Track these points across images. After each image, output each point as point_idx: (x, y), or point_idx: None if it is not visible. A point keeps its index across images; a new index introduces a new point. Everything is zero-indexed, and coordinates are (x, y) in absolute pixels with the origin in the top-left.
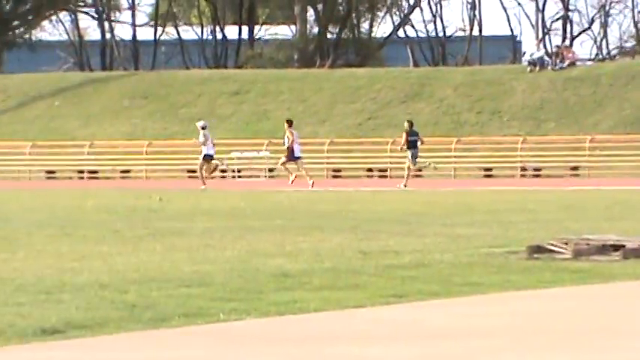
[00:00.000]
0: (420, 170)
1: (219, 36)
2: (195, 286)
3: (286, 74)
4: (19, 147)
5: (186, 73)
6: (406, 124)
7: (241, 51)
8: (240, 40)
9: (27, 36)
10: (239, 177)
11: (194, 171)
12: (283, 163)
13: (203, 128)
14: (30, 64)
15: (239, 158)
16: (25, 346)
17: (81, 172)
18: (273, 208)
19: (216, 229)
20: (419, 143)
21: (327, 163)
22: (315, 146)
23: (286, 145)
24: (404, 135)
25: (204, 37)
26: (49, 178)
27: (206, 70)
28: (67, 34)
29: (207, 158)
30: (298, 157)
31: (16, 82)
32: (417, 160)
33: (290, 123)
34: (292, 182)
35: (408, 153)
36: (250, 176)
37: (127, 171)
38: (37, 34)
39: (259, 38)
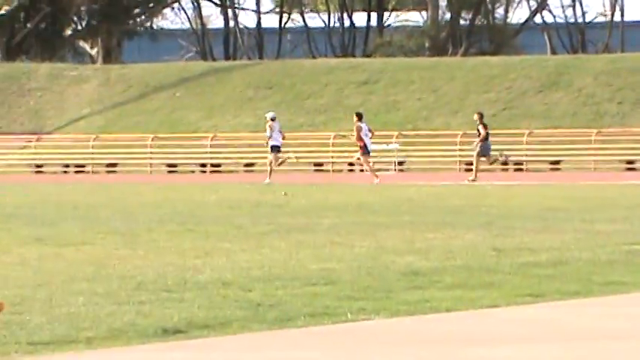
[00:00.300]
0: (493, 163)
1: (346, 23)
2: (321, 284)
3: (417, 63)
4: (141, 139)
5: (313, 62)
6: (476, 116)
7: (370, 39)
8: (368, 27)
9: (148, 24)
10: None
11: (321, 164)
12: (358, 159)
13: (272, 120)
14: (151, 53)
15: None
16: (146, 347)
17: (203, 165)
18: (403, 203)
19: (343, 225)
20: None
21: (460, 156)
22: (447, 138)
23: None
24: (481, 127)
25: (332, 24)
26: (170, 171)
27: (333, 59)
28: (190, 22)
29: (275, 150)
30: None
31: (137, 72)
32: (491, 153)
33: (360, 117)
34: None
35: (479, 146)
36: (379, 170)
37: (251, 164)
38: (159, 23)
39: (389, 25)
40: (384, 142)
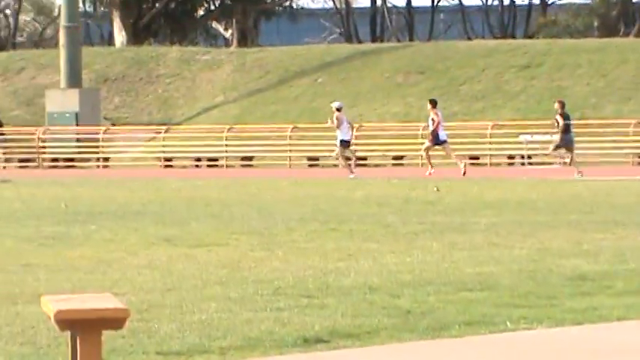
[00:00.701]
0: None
1: (506, 1)
2: (478, 290)
3: (584, 44)
4: (279, 130)
5: (468, 45)
6: (557, 105)
7: (532, 18)
8: (530, 5)
9: (287, 4)
10: (529, 164)
11: (477, 157)
12: (427, 149)
13: (338, 110)
14: (291, 35)
15: (529, 142)
16: (285, 357)
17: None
18: (569, 201)
19: (502, 224)
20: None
21: (633, 148)
22: (619, 128)
23: (431, 128)
24: (559, 117)
25: (489, 2)
26: (311, 165)
27: (491, 41)
28: (333, 1)
29: (344, 144)
30: (444, 141)
31: (276, 55)
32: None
33: (434, 103)
34: (464, 173)
35: (559, 137)
36: (542, 163)
37: (400, 157)
38: (299, 2)
39: (552, 3)
40: (547, 133)
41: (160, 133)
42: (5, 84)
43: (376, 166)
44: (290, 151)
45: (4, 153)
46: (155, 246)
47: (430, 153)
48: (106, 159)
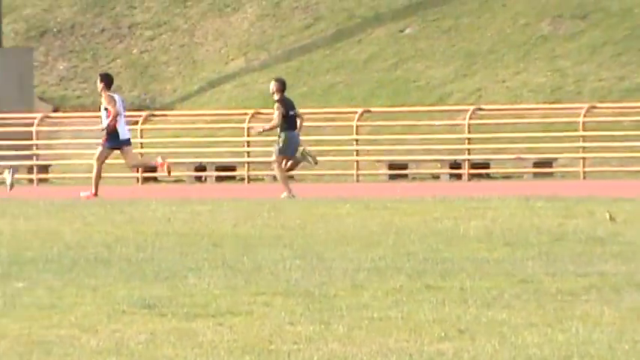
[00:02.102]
0: None
1: None
2: None
3: None
4: (342, 117)
5: None
6: None
7: None
8: None
9: None
10: None
11: None
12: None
13: None
14: None
15: None
16: None
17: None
18: None
19: None
20: None
21: None
22: None
23: None
24: None
25: None
26: (394, 176)
27: None
28: None
29: None
30: None
31: None
32: None
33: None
34: None
35: None
36: None
37: (547, 163)
38: None
39: None
40: None
41: (137, 123)
42: None
43: (506, 177)
44: (357, 153)
45: None
46: (128, 316)
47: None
48: (44, 168)
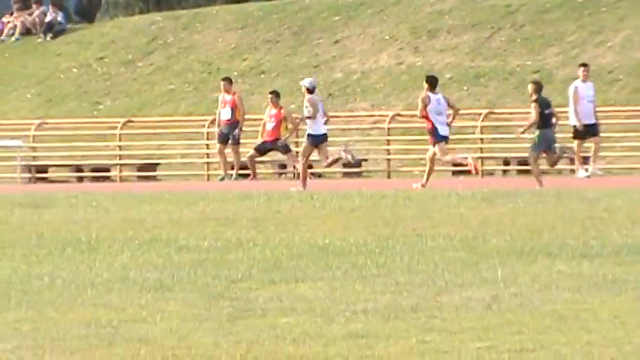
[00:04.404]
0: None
1: None
2: None
3: None
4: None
5: None
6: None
7: None
8: None
9: None
10: None
11: None
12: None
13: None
14: None
15: None
16: None
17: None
18: None
19: None
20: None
21: None
22: None
23: None
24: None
25: None
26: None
27: None
28: None
29: (316, 141)
30: None
31: None
32: None
33: None
34: None
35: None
36: None
37: None
38: None
39: None
40: None
41: None
42: None
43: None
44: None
45: None
46: None
47: None
48: None
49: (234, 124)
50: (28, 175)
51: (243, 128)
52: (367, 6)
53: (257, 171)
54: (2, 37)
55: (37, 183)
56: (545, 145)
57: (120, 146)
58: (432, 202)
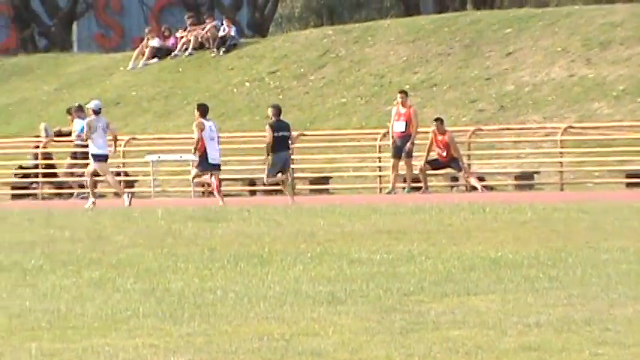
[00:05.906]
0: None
1: None
2: None
3: None
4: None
5: None
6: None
7: None
8: None
9: None
10: None
11: None
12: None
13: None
14: None
15: None
16: None
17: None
18: None
19: None
20: None
21: None
22: None
23: None
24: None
25: None
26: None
27: None
28: None
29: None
30: None
31: None
32: None
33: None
34: None
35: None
36: None
37: None
38: None
39: None
40: None
41: None
42: None
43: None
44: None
45: None
46: None
47: None
48: None
49: (407, 136)
50: (201, 189)
51: (415, 142)
52: (539, 18)
53: (428, 184)
54: (176, 52)
55: (210, 197)
56: None
57: (293, 160)
58: (604, 214)
